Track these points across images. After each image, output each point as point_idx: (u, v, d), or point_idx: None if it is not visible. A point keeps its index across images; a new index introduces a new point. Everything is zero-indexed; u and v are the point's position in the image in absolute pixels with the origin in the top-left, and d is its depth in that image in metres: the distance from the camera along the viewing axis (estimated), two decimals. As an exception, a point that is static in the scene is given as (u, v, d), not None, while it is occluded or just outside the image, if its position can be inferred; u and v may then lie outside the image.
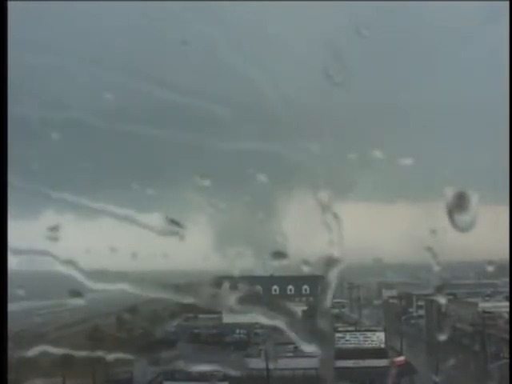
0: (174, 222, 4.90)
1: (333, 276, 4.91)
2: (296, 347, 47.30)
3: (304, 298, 73.18)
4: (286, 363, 46.73)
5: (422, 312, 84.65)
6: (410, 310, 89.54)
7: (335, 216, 4.88)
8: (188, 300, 4.77)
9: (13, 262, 4.49)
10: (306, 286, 78.55)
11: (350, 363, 45.43)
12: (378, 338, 54.27)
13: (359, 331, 56.74)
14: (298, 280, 76.79)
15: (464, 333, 65.17)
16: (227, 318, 56.09)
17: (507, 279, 60.89)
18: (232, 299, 4.59)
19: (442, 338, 36.76)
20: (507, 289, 63.90)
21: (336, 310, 75.02)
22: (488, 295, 73.50)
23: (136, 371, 48.99)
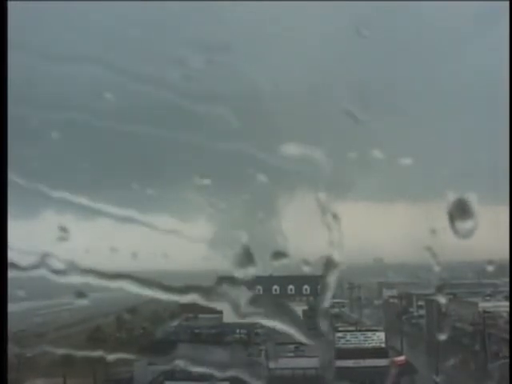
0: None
1: (333, 276, 4.91)
2: (297, 347, 47.48)
3: (304, 298, 73.22)
4: (286, 363, 46.77)
5: (422, 312, 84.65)
6: (411, 309, 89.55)
7: (335, 216, 4.88)
8: (188, 300, 4.78)
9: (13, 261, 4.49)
10: (306, 286, 78.60)
11: (350, 363, 45.48)
12: (378, 338, 54.30)
13: (359, 331, 56.79)
14: (299, 280, 76.84)
15: (464, 332, 65.17)
16: (227, 318, 56.11)
17: (507, 279, 60.86)
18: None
19: (443, 337, 36.78)
20: (507, 288, 63.90)
21: (336, 310, 75.07)
22: (488, 295, 73.51)
23: (136, 371, 48.98)
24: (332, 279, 4.92)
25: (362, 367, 47.29)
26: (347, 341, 52.50)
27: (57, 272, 4.59)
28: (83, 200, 4.85)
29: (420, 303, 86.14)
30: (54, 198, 4.74)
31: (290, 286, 79.77)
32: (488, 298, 71.61)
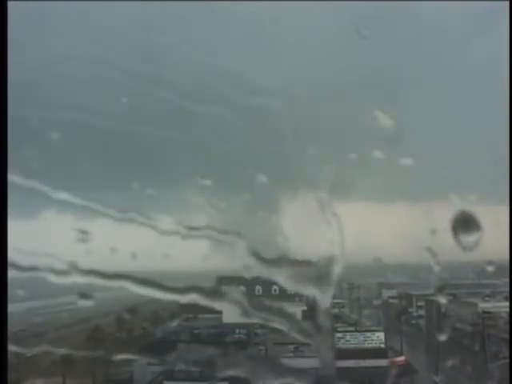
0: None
1: (333, 276, 4.91)
2: (296, 347, 47.47)
3: (304, 298, 73.16)
4: (285, 363, 46.71)
5: (421, 312, 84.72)
6: (410, 310, 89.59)
7: (335, 216, 4.89)
8: (188, 300, 4.78)
9: (13, 260, 4.49)
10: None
11: (349, 363, 45.43)
12: (377, 338, 54.31)
13: (359, 331, 56.82)
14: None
15: (464, 333, 65.19)
16: (227, 318, 56.13)
17: (507, 279, 60.89)
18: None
19: (442, 338, 36.72)
20: (507, 289, 63.93)
21: (336, 310, 75.05)
22: (488, 295, 73.54)
23: (136, 371, 48.98)
24: (332, 279, 4.92)
25: (361, 367, 47.27)
26: (347, 341, 52.49)
27: (57, 272, 4.59)
28: (83, 200, 4.85)
29: (419, 303, 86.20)
30: (54, 198, 4.74)
31: (290, 286, 79.64)
32: (487, 298, 71.65)
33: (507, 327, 49.63)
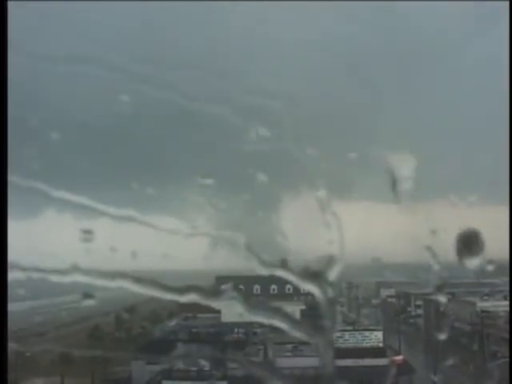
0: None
1: (332, 275, 4.93)
2: (295, 346, 47.54)
3: (302, 298, 73.25)
4: (284, 362, 46.78)
5: (420, 311, 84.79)
6: (409, 309, 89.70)
7: (335, 215, 4.90)
8: (187, 300, 4.80)
9: (13, 259, 4.51)
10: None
11: (348, 362, 45.48)
12: (376, 338, 54.40)
13: (357, 330, 56.90)
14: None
15: (462, 332, 65.26)
16: (225, 318, 56.17)
17: (506, 278, 60.96)
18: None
19: (441, 337, 36.71)
20: (506, 288, 63.96)
21: (334, 309, 74.97)
22: (486, 294, 73.59)
23: (135, 370, 49.03)
24: (331, 278, 4.94)
25: (359, 366, 47.35)
26: (345, 340, 52.55)
27: (57, 271, 4.60)
28: (83, 200, 4.86)
29: (418, 303, 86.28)
30: (54, 198, 4.75)
31: (288, 286, 79.86)
32: (486, 297, 71.71)
33: (506, 326, 49.73)
